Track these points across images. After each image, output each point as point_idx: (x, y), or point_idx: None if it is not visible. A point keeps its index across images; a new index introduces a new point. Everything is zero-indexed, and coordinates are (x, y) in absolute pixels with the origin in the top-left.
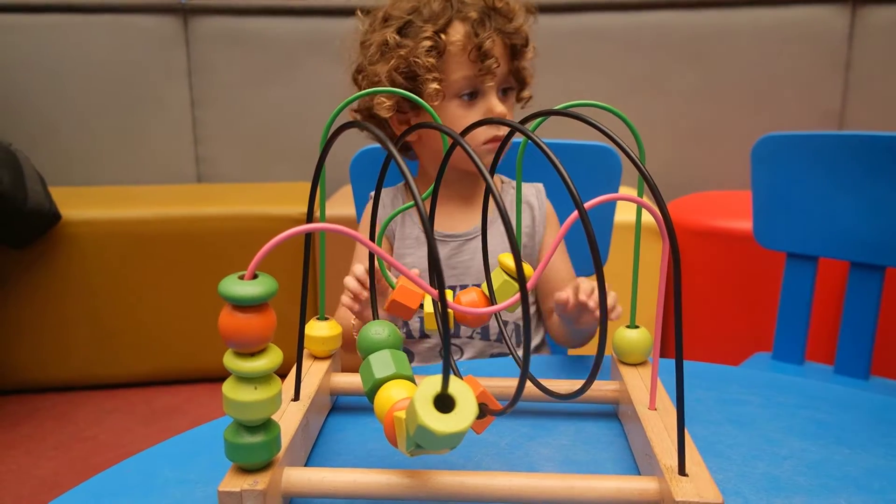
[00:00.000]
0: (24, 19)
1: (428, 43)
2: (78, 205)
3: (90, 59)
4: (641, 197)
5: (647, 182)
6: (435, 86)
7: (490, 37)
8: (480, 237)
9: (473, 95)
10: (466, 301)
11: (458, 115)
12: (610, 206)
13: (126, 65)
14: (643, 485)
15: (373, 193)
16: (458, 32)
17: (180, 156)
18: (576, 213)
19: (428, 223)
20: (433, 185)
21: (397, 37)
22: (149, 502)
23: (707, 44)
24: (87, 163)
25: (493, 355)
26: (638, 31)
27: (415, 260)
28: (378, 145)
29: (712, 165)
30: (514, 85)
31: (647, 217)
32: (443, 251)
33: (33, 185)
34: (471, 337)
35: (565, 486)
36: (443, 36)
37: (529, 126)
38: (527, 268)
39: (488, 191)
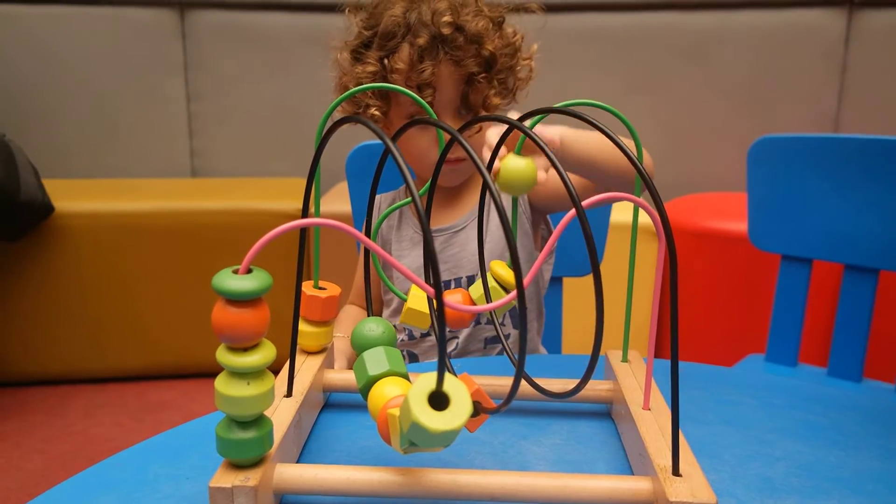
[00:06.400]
0: (21, 10)
1: (372, 68)
2: (71, 197)
3: (86, 50)
4: (639, 196)
5: (645, 181)
6: (374, 111)
7: (430, 67)
8: (474, 232)
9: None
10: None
11: (411, 136)
12: (606, 206)
13: (122, 57)
14: (637, 484)
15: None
16: (402, 60)
17: (175, 149)
18: (573, 211)
19: (424, 215)
20: (429, 182)
21: (348, 57)
22: (139, 497)
23: (704, 45)
24: (82, 155)
25: (486, 339)
26: (635, 32)
27: (411, 261)
28: (373, 142)
29: (708, 167)
30: (470, 108)
31: (643, 218)
32: None
33: (26, 177)
34: None
35: (558, 486)
36: (387, 62)
37: (527, 124)
38: (507, 273)
39: (485, 189)
